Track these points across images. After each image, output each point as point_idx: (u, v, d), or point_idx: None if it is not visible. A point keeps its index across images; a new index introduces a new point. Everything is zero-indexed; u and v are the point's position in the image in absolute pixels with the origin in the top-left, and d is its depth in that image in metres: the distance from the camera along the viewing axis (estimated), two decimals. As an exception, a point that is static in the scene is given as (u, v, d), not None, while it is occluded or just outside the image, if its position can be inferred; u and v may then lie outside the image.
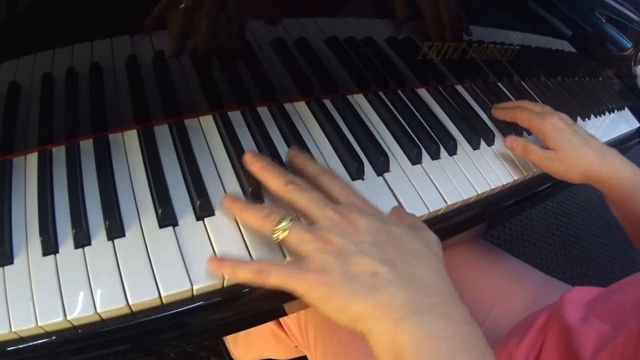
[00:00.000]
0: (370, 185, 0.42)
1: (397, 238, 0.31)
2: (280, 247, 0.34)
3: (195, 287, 0.31)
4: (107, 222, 0.32)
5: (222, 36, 0.38)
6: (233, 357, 0.89)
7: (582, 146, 0.48)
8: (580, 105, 0.72)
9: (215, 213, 0.35)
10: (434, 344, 0.26)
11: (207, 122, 0.42)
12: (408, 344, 0.27)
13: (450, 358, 0.26)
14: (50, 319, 0.28)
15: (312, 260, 0.30)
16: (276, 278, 0.30)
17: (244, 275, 0.31)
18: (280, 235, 0.31)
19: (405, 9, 0.46)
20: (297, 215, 0.35)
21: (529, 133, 0.57)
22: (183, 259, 0.32)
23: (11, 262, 0.30)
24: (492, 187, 0.48)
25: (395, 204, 0.41)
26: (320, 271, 0.29)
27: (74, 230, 0.31)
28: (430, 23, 0.48)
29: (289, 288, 0.30)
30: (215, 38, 0.37)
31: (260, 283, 0.30)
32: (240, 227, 0.35)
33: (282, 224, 0.31)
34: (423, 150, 0.47)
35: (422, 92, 0.56)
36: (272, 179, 0.34)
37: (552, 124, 0.49)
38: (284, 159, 0.40)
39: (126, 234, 0.33)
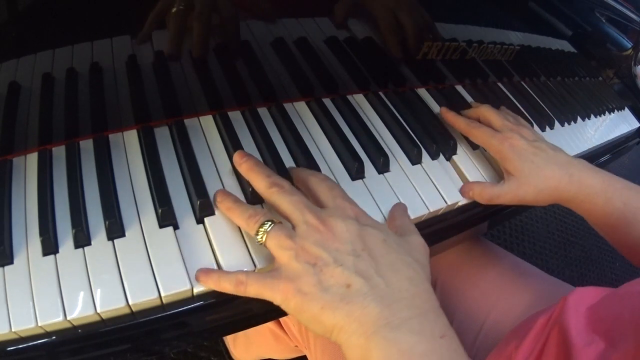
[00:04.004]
0: (370, 185, 0.42)
1: (377, 246, 0.31)
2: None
3: (195, 287, 0.31)
4: (107, 222, 0.32)
5: (221, 36, 0.38)
6: (233, 357, 0.89)
7: (546, 166, 0.43)
8: (580, 105, 0.72)
9: (215, 213, 0.35)
10: (407, 359, 0.26)
11: (207, 122, 0.42)
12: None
13: None
14: (50, 319, 0.28)
15: (288, 268, 0.29)
16: (253, 288, 0.30)
17: (228, 286, 0.30)
18: (263, 237, 0.31)
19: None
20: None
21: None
22: (183, 258, 0.32)
23: (11, 262, 0.30)
24: (492, 187, 0.48)
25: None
26: (294, 280, 0.29)
27: (74, 230, 0.31)
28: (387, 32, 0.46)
29: (266, 297, 0.30)
30: (208, 40, 0.37)
31: (242, 293, 0.30)
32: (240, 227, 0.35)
33: (265, 227, 0.31)
34: (423, 150, 0.47)
35: (422, 92, 0.56)
36: (257, 180, 0.34)
37: (512, 144, 0.44)
38: (284, 158, 0.40)
39: (126, 233, 0.33)
